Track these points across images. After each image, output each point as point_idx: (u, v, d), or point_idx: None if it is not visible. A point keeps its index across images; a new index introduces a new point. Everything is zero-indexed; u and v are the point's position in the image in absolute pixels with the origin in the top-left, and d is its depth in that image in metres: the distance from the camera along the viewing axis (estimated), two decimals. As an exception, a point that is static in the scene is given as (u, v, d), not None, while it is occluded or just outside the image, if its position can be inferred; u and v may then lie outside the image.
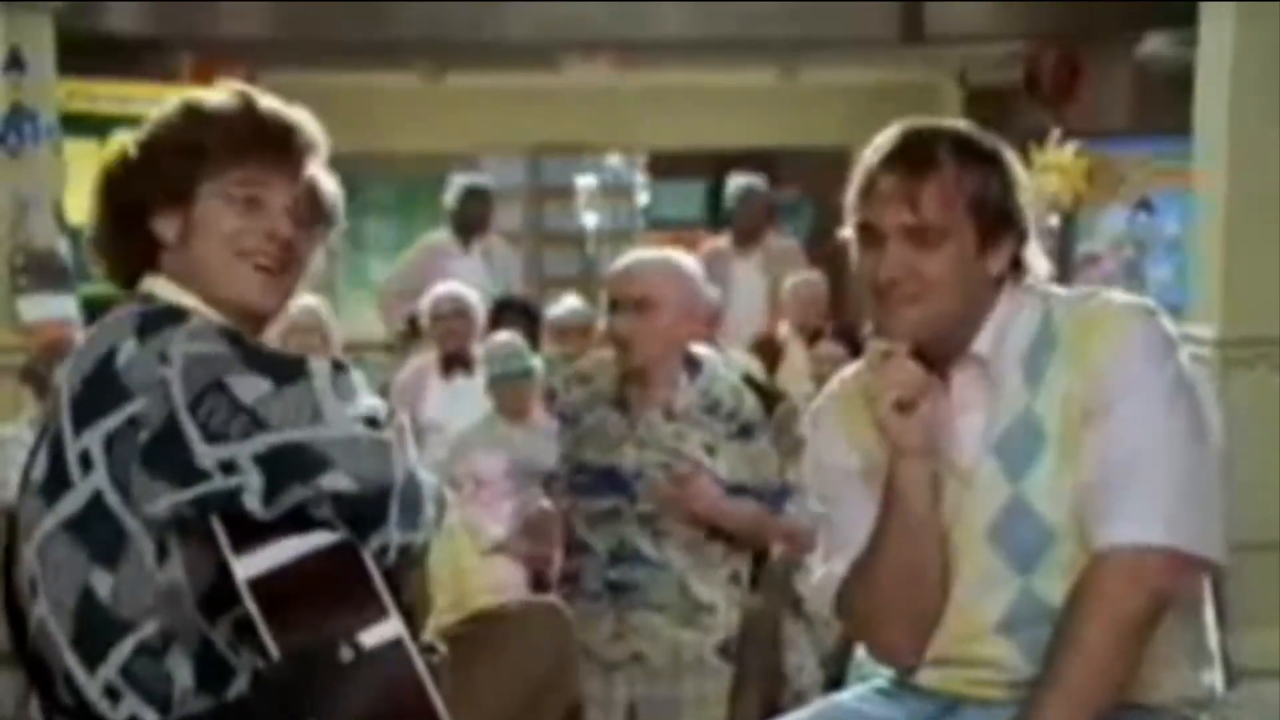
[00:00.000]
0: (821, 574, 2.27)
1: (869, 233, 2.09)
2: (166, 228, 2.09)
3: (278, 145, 2.11)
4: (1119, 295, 2.15)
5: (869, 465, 2.19)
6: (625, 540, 3.44)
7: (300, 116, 2.16)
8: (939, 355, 2.12)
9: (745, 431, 3.47)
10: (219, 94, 2.14)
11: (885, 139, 2.12)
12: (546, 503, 3.74)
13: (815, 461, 2.33)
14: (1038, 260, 2.17)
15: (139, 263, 2.12)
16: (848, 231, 2.15)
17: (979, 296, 2.11)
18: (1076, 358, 2.07)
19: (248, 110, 2.12)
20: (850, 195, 2.13)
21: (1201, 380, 2.11)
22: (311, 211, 2.16)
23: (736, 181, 7.50)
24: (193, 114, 2.12)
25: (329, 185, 2.20)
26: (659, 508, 3.41)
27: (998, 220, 2.10)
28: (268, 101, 2.15)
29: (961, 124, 2.17)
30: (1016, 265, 2.14)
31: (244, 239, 2.07)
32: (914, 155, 2.08)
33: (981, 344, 2.11)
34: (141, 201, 2.10)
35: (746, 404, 3.50)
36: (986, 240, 2.09)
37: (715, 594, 3.47)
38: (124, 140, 2.16)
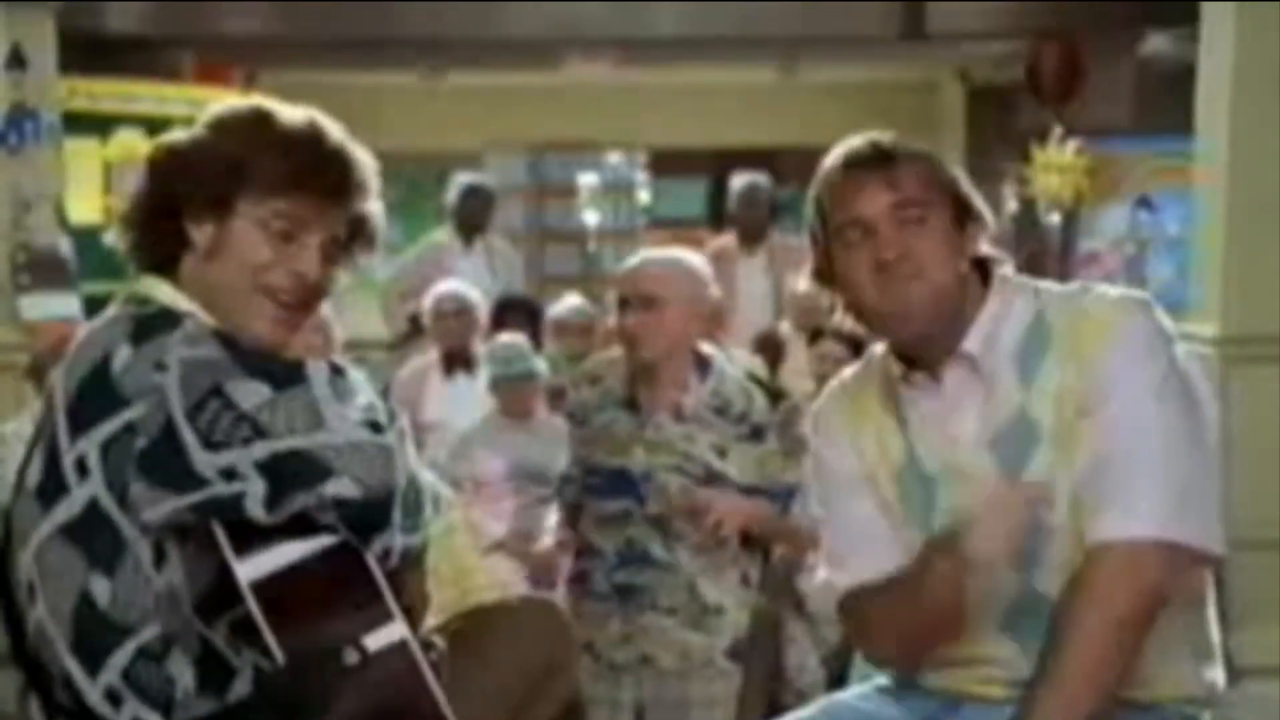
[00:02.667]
0: (825, 577, 2.27)
1: (856, 228, 2.10)
2: (198, 234, 2.05)
3: (329, 185, 2.07)
4: (1112, 290, 2.15)
5: (868, 467, 2.20)
6: (634, 542, 3.43)
7: (361, 156, 2.11)
8: (931, 354, 2.13)
9: (756, 433, 3.46)
10: (291, 115, 2.08)
11: (840, 151, 2.16)
12: (549, 537, 3.75)
13: (817, 464, 2.33)
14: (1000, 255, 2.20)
15: (161, 256, 2.07)
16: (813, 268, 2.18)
17: (965, 281, 2.13)
18: (1069, 353, 2.07)
19: (312, 143, 2.06)
20: (823, 206, 2.15)
21: (1197, 372, 2.12)
22: (351, 243, 2.13)
23: (741, 179, 7.39)
24: (258, 129, 2.06)
25: (376, 218, 2.15)
26: (677, 516, 3.40)
27: (964, 202, 2.13)
28: (336, 136, 2.09)
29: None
30: (983, 258, 2.17)
31: (270, 274, 2.04)
32: (878, 150, 2.13)
33: (972, 342, 2.12)
34: (178, 198, 2.05)
35: (756, 405, 3.48)
36: (961, 219, 2.12)
37: (724, 596, 3.46)
38: (181, 131, 2.11)
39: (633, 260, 3.62)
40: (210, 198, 2.03)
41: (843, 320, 2.22)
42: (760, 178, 7.41)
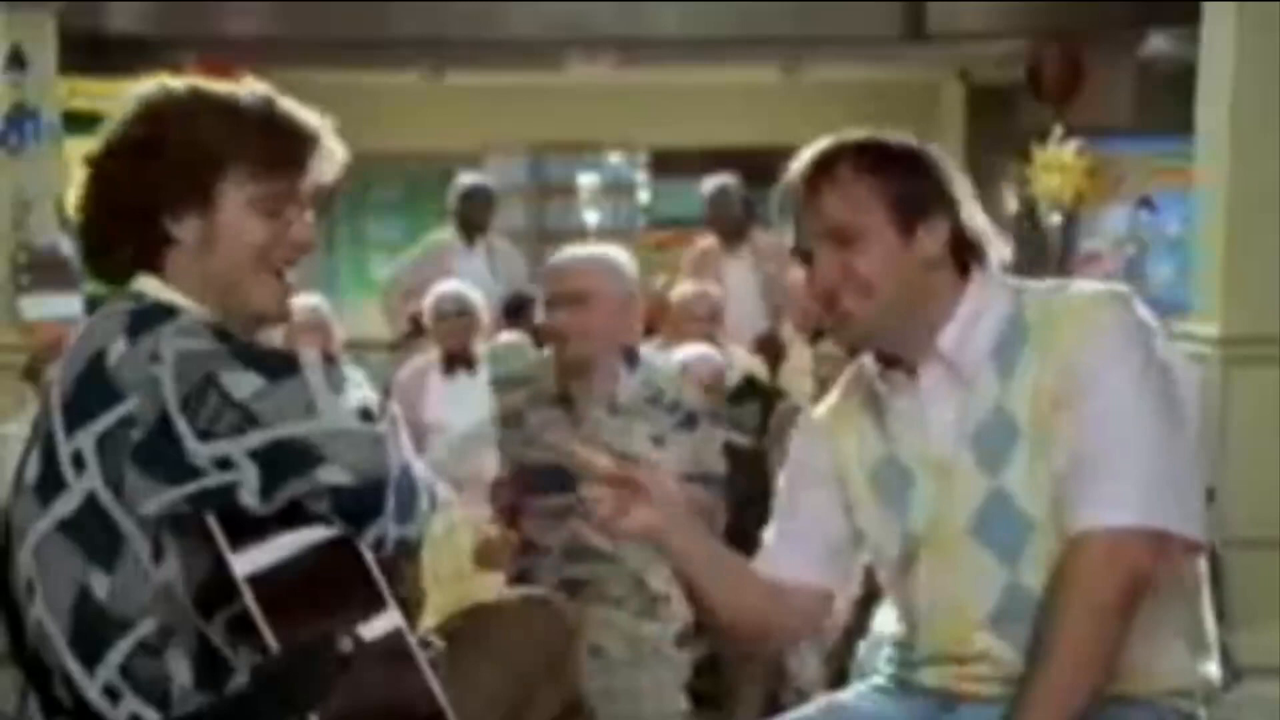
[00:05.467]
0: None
1: (797, 254, 2.16)
2: (184, 230, 2.04)
3: (301, 152, 2.09)
4: (1089, 284, 2.16)
5: (839, 468, 2.24)
6: (579, 536, 3.46)
7: (311, 116, 2.13)
8: (906, 353, 2.15)
9: (689, 421, 3.50)
10: (239, 92, 2.08)
11: (790, 170, 2.17)
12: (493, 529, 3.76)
13: (789, 460, 2.37)
14: (989, 240, 2.17)
15: (138, 260, 2.06)
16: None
17: (923, 286, 2.12)
18: (1046, 348, 2.08)
19: (271, 114, 2.07)
20: (780, 225, 2.18)
21: (1179, 363, 2.12)
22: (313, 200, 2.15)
23: (710, 183, 7.48)
24: (213, 111, 2.06)
25: (327, 171, 2.16)
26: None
27: (913, 207, 2.11)
28: (285, 103, 2.11)
29: (872, 131, 2.18)
30: (965, 249, 2.14)
31: (274, 251, 2.06)
32: (811, 170, 2.14)
33: (946, 341, 2.12)
34: (154, 198, 2.03)
35: (687, 394, 3.54)
36: (907, 228, 2.10)
37: (669, 585, 3.49)
38: (118, 128, 2.07)
39: (558, 257, 3.64)
40: (192, 190, 2.03)
41: None
42: (728, 179, 7.47)
